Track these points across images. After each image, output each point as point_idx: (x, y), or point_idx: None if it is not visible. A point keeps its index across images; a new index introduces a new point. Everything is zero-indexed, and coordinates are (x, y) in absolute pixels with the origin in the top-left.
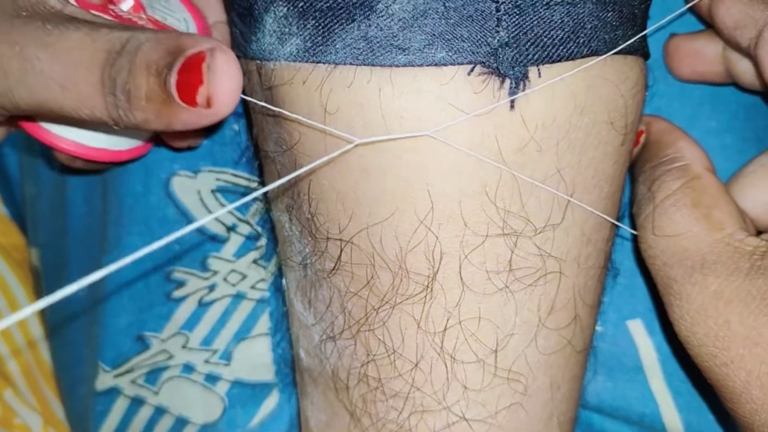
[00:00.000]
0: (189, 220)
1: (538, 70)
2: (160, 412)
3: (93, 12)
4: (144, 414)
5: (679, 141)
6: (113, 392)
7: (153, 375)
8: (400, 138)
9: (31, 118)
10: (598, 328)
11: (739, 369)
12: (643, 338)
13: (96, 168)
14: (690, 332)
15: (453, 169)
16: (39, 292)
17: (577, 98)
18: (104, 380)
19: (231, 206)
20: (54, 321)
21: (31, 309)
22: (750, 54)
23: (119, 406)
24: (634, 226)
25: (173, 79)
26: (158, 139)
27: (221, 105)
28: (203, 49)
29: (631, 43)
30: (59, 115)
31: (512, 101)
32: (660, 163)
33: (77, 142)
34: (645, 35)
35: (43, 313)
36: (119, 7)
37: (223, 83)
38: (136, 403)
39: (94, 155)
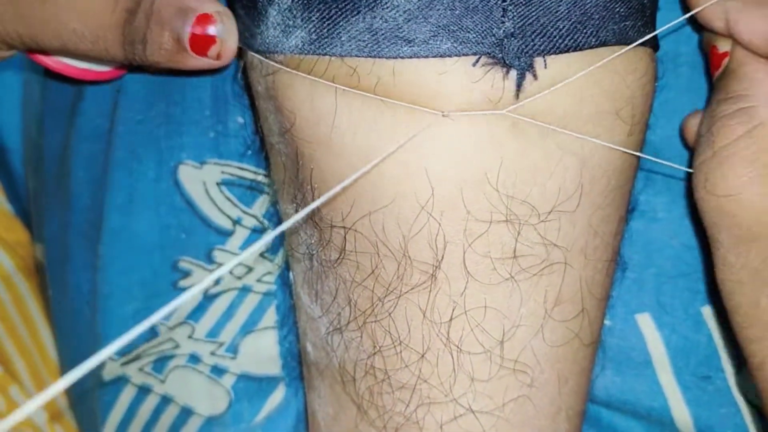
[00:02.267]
0: (194, 210)
1: (544, 60)
2: (166, 401)
3: None
4: (150, 403)
5: (756, 74)
6: (121, 381)
7: (160, 363)
8: (488, 114)
9: None
10: (606, 322)
11: (759, 349)
12: (651, 332)
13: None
14: (726, 297)
15: (452, 154)
16: (44, 289)
17: (582, 89)
18: (112, 369)
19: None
20: (59, 316)
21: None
22: None
23: (126, 396)
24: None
25: (187, 36)
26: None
27: (227, 58)
28: (210, 12)
29: (640, 33)
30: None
31: (517, 90)
32: (727, 99)
33: (62, 61)
34: (654, 26)
35: (49, 309)
36: None
37: (231, 42)
38: (143, 391)
39: (77, 74)
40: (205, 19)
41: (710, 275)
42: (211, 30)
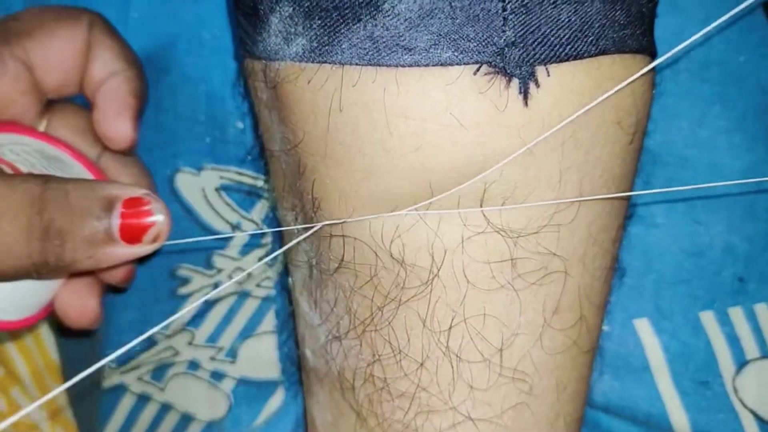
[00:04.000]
0: (193, 217)
1: (546, 69)
2: (165, 408)
3: None
4: (150, 410)
5: None
6: (120, 389)
7: (159, 371)
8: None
9: None
10: (605, 327)
11: None
12: (649, 337)
13: None
14: None
15: (455, 167)
16: None
17: (584, 98)
18: (111, 377)
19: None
20: None
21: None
22: None
23: (126, 403)
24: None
25: (116, 222)
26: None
27: (164, 240)
28: (139, 195)
29: (639, 41)
30: None
31: (525, 100)
32: None
33: None
34: (652, 33)
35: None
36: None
37: (168, 223)
38: (143, 399)
39: None
40: (134, 203)
41: (710, 280)
42: (145, 214)
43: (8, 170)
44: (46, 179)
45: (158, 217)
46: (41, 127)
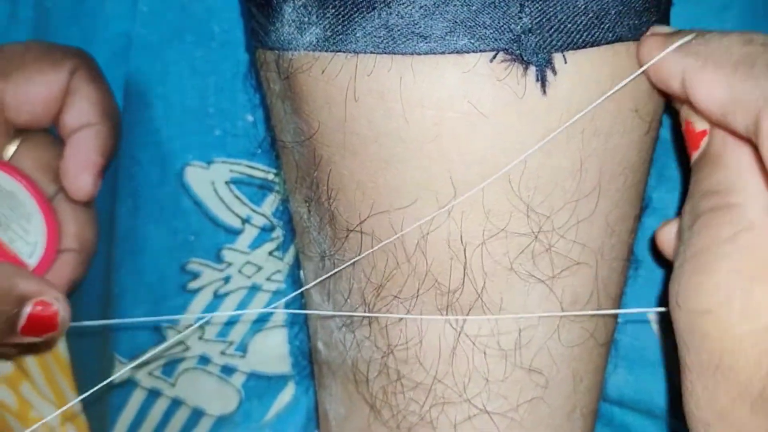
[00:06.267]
0: (203, 211)
1: (563, 56)
2: (176, 403)
3: None
4: (160, 406)
5: (739, 162)
6: (130, 384)
7: (169, 366)
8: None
9: None
10: (619, 320)
11: None
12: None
13: None
14: (690, 422)
15: (476, 158)
16: None
17: (602, 85)
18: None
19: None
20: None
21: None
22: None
23: (136, 398)
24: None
25: (22, 322)
26: None
27: (59, 335)
28: (48, 300)
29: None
30: None
31: (543, 88)
32: (709, 192)
33: None
34: (668, 21)
35: None
36: None
37: (66, 323)
38: (153, 394)
39: None
40: (43, 304)
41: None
42: (50, 317)
43: None
44: None
45: (61, 319)
46: (8, 152)
